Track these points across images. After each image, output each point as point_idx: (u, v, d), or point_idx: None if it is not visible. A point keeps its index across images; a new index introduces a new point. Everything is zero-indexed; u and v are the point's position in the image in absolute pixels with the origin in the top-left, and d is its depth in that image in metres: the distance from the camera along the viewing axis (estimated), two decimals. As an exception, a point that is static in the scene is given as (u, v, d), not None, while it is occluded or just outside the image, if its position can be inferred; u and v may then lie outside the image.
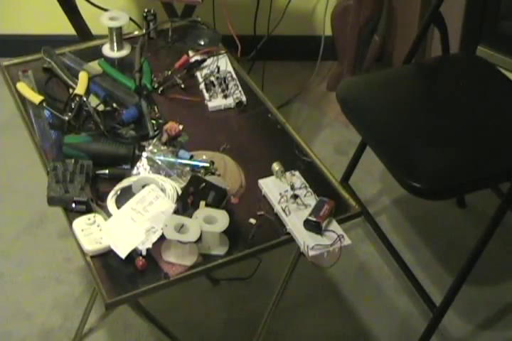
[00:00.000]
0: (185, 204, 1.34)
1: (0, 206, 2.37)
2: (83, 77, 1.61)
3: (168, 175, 1.43)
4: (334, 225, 1.36)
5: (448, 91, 1.92)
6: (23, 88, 1.60)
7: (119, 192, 1.40)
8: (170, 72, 1.68)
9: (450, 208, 2.37)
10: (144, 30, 1.80)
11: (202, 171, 1.44)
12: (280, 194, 1.40)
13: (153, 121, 1.56)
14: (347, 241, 1.33)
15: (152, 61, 1.72)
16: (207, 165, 1.44)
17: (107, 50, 1.75)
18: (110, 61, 1.72)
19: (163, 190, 1.38)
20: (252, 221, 1.38)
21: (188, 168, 1.44)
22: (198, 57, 1.72)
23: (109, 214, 1.36)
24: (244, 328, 2.00)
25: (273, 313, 1.61)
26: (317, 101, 2.82)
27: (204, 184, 1.36)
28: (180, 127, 1.54)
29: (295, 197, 1.39)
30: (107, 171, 1.43)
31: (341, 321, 2.06)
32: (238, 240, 1.34)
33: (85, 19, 2.21)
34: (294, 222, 1.35)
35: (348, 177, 2.23)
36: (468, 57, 2.07)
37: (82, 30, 2.22)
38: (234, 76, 1.69)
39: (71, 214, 1.36)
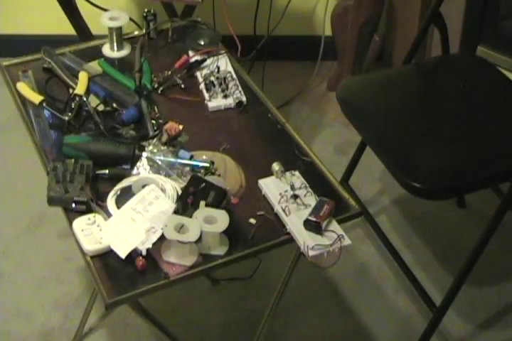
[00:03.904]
0: (185, 204, 1.34)
1: (0, 206, 2.37)
2: (83, 77, 1.61)
3: (168, 175, 1.43)
4: (334, 225, 1.36)
5: (448, 92, 1.91)
6: (23, 88, 1.60)
7: (119, 192, 1.40)
8: (170, 72, 1.68)
9: (450, 208, 2.37)
10: (144, 30, 1.80)
11: (202, 171, 1.44)
12: (280, 194, 1.40)
13: (153, 121, 1.55)
14: (347, 241, 1.33)
15: (152, 61, 1.72)
16: (207, 165, 1.44)
17: (107, 50, 1.74)
18: (110, 61, 1.72)
19: (163, 190, 1.38)
20: (252, 221, 1.38)
21: (188, 168, 1.44)
22: (198, 57, 1.72)
23: (109, 214, 1.36)
24: (244, 328, 2.00)
25: (273, 313, 1.61)
26: (317, 101, 2.82)
27: (204, 184, 1.36)
28: (181, 127, 1.54)
29: (295, 197, 1.39)
30: (107, 171, 1.43)
31: (341, 321, 2.06)
32: (238, 240, 1.34)
33: (85, 19, 2.21)
34: (294, 222, 1.35)
35: (348, 177, 2.23)
36: (468, 57, 2.07)
37: (82, 30, 2.22)
38: (234, 76, 1.69)
39: (71, 214, 1.36)
